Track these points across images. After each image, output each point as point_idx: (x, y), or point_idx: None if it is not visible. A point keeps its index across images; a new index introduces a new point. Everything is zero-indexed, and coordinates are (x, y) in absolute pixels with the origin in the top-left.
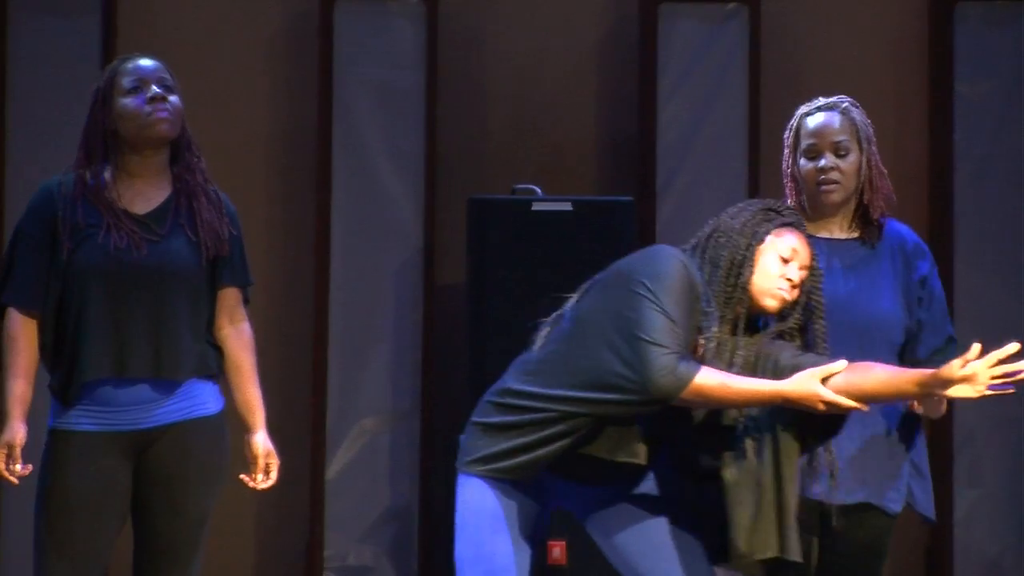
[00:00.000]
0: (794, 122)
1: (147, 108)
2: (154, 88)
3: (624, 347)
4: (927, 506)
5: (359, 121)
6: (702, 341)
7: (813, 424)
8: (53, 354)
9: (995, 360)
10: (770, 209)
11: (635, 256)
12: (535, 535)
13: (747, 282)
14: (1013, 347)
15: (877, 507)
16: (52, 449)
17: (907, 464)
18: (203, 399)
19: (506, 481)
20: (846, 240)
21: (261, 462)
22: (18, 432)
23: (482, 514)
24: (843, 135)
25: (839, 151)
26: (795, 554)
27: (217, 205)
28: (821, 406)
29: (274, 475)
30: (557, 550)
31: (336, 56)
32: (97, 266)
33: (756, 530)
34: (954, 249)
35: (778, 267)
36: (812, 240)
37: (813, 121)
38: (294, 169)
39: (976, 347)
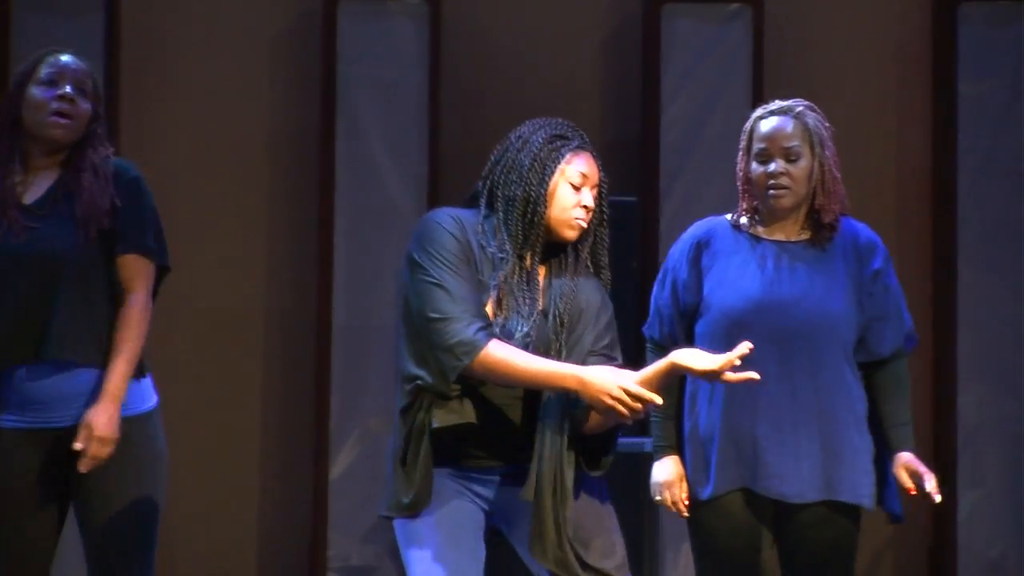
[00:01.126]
0: (748, 124)
1: (52, 105)
2: (67, 88)
3: (419, 329)
4: (894, 504)
5: (362, 119)
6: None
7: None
8: None
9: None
10: (556, 136)
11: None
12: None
13: (544, 218)
14: (745, 347)
15: (847, 504)
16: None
17: (870, 461)
18: (128, 399)
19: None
20: (797, 242)
21: (80, 432)
22: None
23: (418, 557)
24: (794, 140)
25: (790, 156)
26: (571, 572)
27: (103, 177)
28: (609, 400)
29: (91, 449)
30: None
31: (339, 55)
32: None
33: (538, 536)
34: (957, 248)
35: (572, 196)
36: (765, 244)
37: (766, 125)
38: (297, 167)
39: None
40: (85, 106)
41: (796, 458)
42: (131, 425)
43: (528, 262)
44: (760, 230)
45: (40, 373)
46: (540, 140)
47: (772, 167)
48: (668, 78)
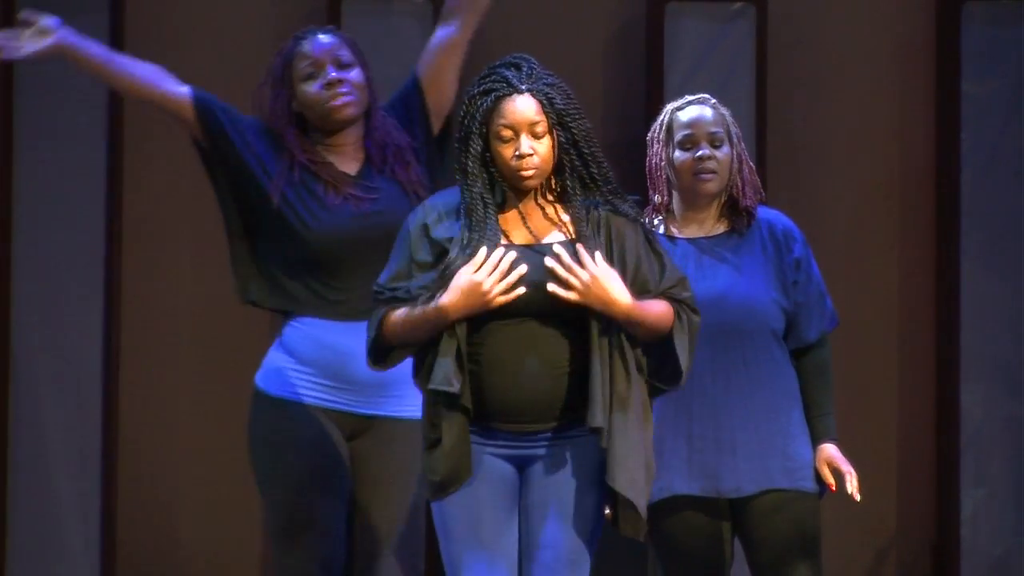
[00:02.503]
0: (663, 117)
1: (326, 94)
2: (331, 72)
3: None
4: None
5: None
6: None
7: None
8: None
9: None
10: (478, 94)
11: None
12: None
13: (498, 178)
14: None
15: (793, 490)
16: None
17: (807, 444)
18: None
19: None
20: (715, 236)
21: None
22: None
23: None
24: (717, 127)
25: (714, 142)
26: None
27: (396, 130)
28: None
29: None
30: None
31: None
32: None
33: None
34: (960, 247)
35: (507, 151)
36: (681, 243)
37: (687, 114)
38: None
39: None
40: (355, 75)
41: (732, 453)
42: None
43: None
44: (673, 230)
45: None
46: (464, 105)
47: (700, 152)
48: (672, 77)
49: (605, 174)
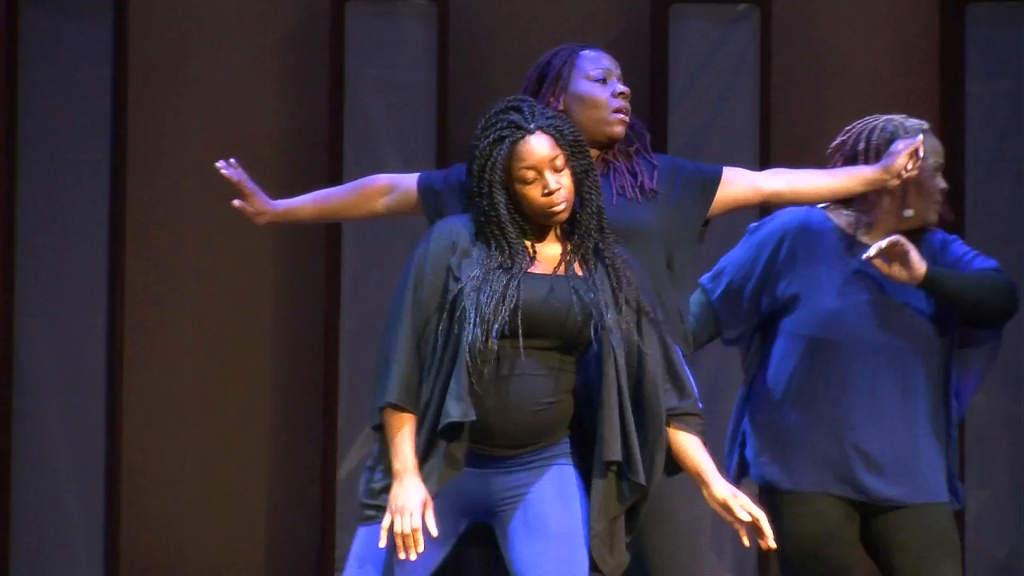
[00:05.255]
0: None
1: (614, 103)
2: (621, 86)
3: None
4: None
5: (370, 119)
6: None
7: None
8: None
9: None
10: (488, 145)
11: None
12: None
13: (522, 217)
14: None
15: (937, 503)
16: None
17: (946, 459)
18: None
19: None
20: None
21: None
22: None
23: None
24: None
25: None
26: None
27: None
28: None
29: None
30: None
31: (347, 55)
32: None
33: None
34: None
35: (535, 192)
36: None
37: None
38: (306, 165)
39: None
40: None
41: (880, 463)
42: None
43: (531, 252)
44: (864, 237)
45: None
46: (477, 160)
47: (941, 183)
48: (675, 78)
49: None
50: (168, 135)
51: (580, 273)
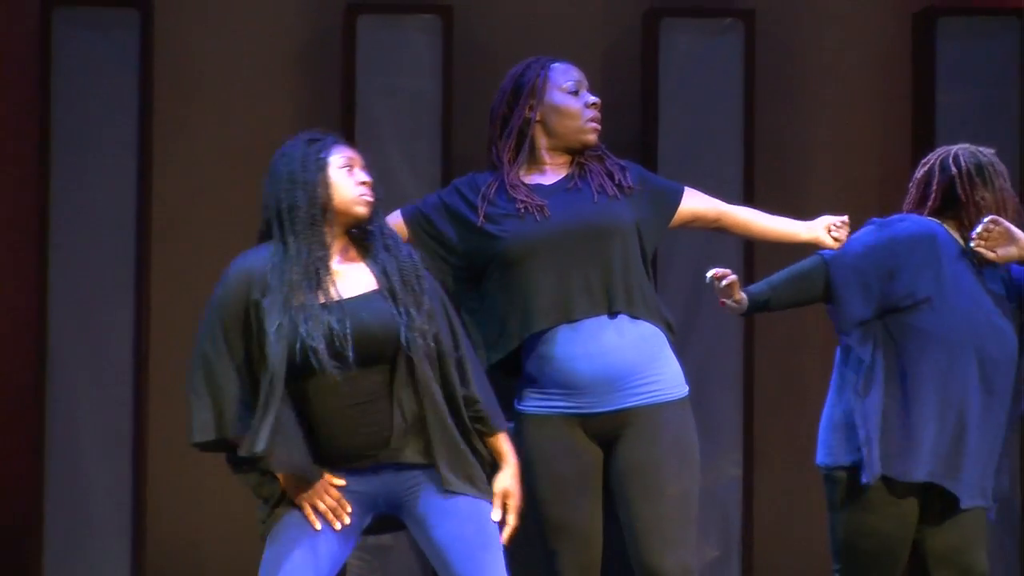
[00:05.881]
0: (985, 160)
1: (588, 113)
2: (593, 97)
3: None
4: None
5: (379, 125)
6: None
7: None
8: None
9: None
10: (310, 140)
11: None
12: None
13: (332, 205)
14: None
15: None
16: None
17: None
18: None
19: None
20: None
21: None
22: None
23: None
24: None
25: None
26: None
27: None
28: None
29: None
30: None
31: (358, 65)
32: None
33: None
34: None
35: (347, 177)
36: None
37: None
38: None
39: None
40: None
41: (968, 468)
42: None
43: (333, 254)
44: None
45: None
46: (298, 148)
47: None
48: (665, 87)
49: None
50: (189, 139)
51: (382, 283)
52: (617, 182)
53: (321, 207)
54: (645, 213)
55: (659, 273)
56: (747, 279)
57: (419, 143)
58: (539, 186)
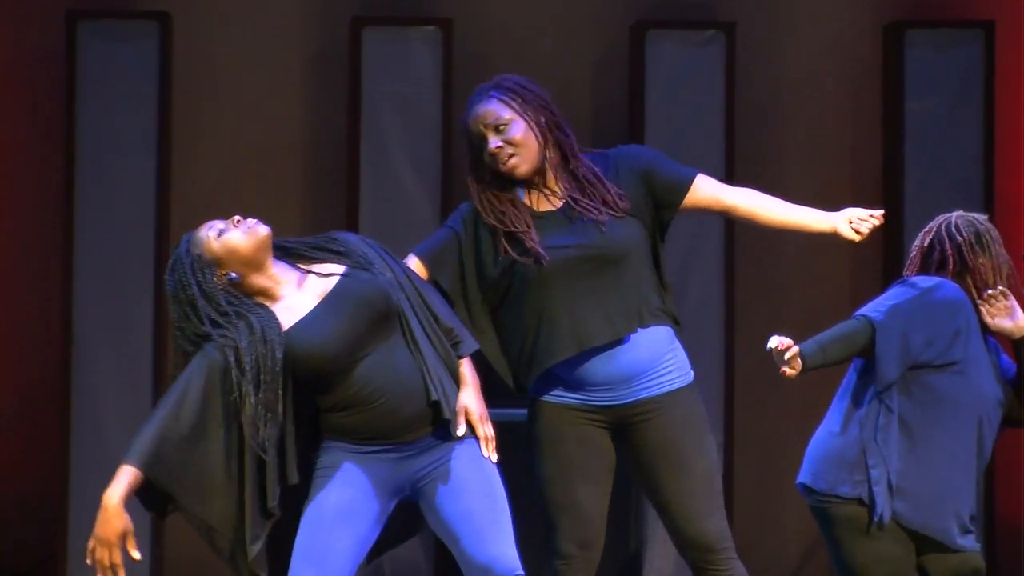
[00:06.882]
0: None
1: (490, 161)
2: (492, 141)
3: None
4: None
5: (383, 129)
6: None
7: None
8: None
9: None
10: (181, 257)
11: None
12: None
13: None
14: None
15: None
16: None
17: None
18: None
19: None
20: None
21: None
22: None
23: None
24: None
25: None
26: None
27: (598, 179)
28: None
29: None
30: None
31: (363, 74)
32: None
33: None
34: (904, 249)
35: (219, 238)
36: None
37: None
38: (327, 173)
39: None
40: (515, 132)
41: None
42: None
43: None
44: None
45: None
46: (179, 269)
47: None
48: (651, 96)
49: None
50: (206, 143)
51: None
52: (609, 203)
53: (230, 289)
54: (650, 216)
55: None
56: (727, 280)
57: (420, 146)
58: (548, 212)
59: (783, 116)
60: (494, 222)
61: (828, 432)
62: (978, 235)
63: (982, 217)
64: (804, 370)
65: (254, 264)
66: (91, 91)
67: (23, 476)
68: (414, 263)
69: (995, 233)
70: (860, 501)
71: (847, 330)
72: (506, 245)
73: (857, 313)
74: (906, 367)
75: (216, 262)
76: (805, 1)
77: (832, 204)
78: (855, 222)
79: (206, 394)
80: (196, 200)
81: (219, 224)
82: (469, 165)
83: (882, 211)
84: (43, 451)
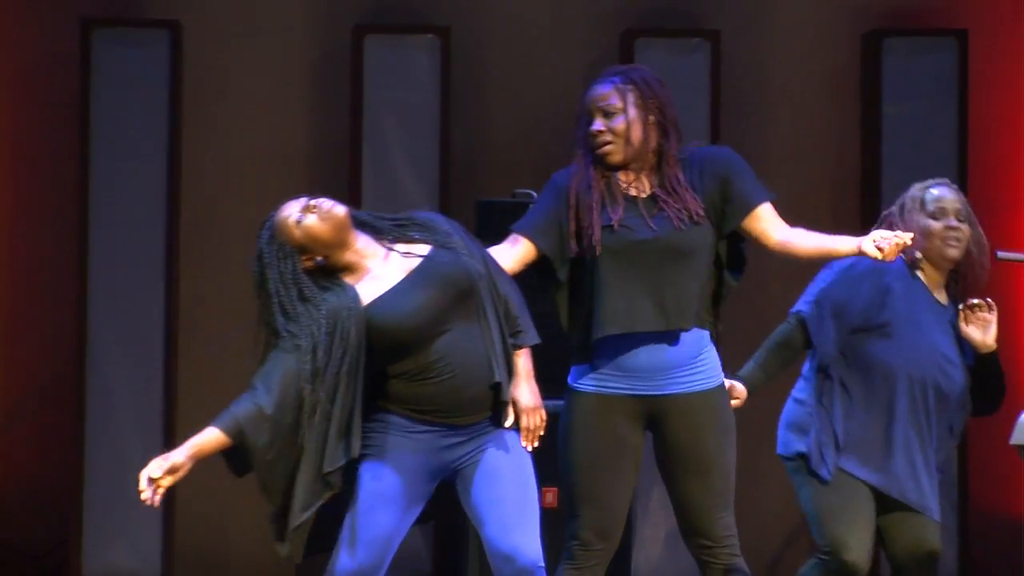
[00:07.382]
0: (916, 193)
1: (590, 136)
2: (595, 123)
3: None
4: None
5: (384, 133)
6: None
7: None
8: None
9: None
10: (266, 244)
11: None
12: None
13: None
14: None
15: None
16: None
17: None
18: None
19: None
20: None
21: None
22: None
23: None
24: (960, 205)
25: (959, 216)
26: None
27: (683, 184)
28: None
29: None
30: (549, 495)
31: (365, 80)
32: None
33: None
34: None
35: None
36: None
37: (937, 191)
38: (330, 174)
39: None
40: (618, 124)
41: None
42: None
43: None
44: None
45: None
46: (264, 255)
47: (952, 222)
48: None
49: None
50: (214, 145)
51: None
52: (689, 213)
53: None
54: (716, 217)
55: None
56: None
57: (420, 149)
58: (635, 198)
59: (765, 120)
60: (587, 195)
61: (791, 400)
62: (902, 205)
63: (932, 183)
64: (751, 393)
65: (337, 244)
66: (104, 96)
67: (41, 465)
68: (514, 239)
69: (929, 196)
70: (809, 458)
71: (780, 337)
72: (593, 218)
73: (792, 310)
74: (843, 341)
75: (300, 249)
76: (787, 11)
77: (812, 203)
78: (879, 240)
79: (286, 376)
80: (205, 199)
81: (296, 210)
82: (576, 137)
83: (911, 234)
84: (59, 443)
